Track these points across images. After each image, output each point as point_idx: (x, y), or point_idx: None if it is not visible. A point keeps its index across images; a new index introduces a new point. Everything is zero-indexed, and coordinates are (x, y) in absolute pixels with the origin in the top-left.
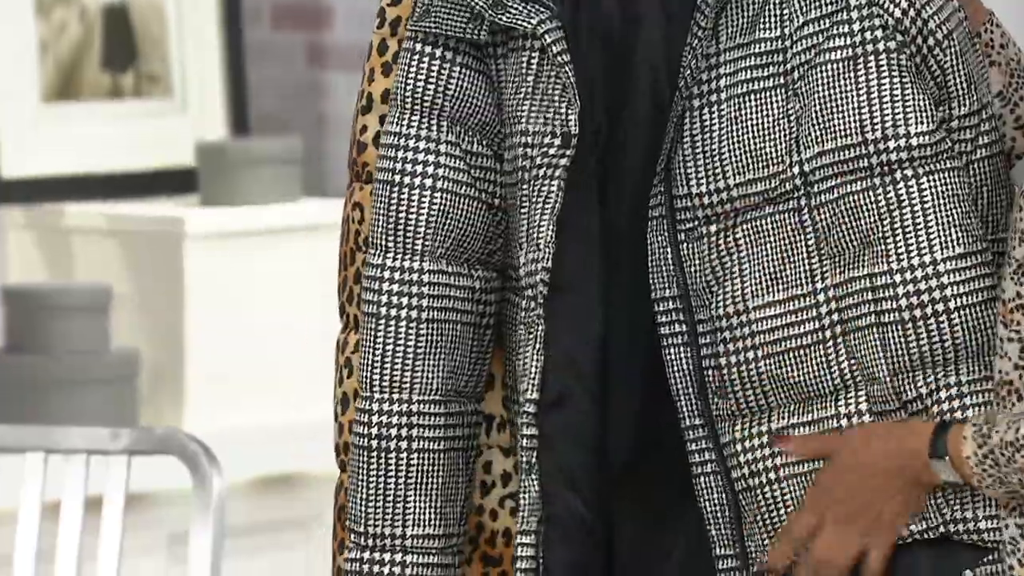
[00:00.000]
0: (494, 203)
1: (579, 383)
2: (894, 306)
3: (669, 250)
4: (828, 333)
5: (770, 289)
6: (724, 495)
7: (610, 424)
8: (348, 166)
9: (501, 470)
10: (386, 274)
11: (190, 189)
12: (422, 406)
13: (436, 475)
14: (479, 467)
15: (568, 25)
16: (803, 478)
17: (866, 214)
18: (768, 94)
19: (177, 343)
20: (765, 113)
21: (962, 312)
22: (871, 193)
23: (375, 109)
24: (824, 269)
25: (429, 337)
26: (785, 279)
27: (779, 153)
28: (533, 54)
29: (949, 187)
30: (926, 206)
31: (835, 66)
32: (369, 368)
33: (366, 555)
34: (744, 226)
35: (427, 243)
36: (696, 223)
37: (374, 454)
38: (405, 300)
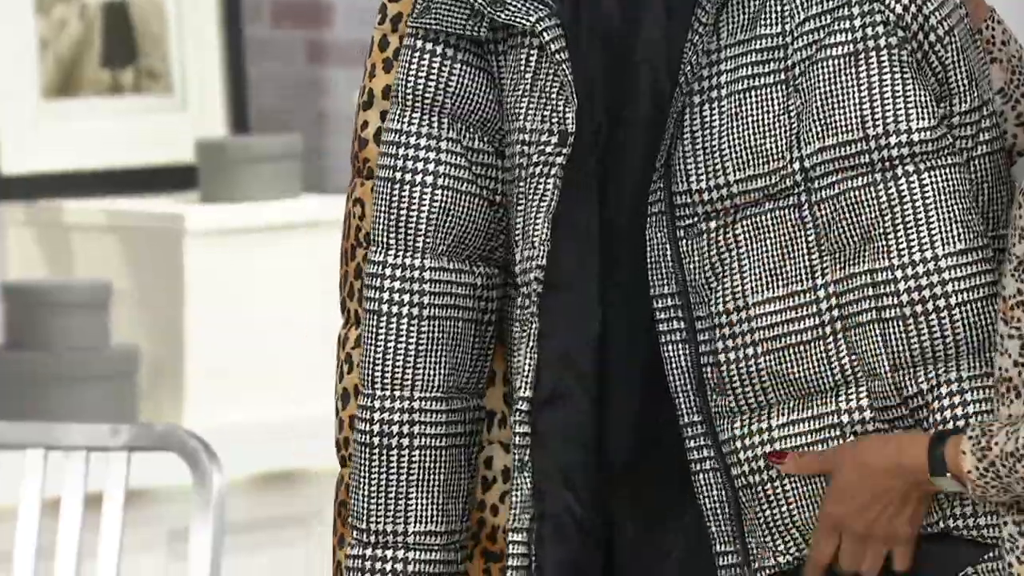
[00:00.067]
0: (496, 200)
1: (577, 382)
2: (895, 301)
3: (668, 247)
4: (828, 329)
5: (770, 285)
6: (724, 492)
7: (609, 423)
8: (351, 161)
9: (502, 466)
10: (387, 271)
11: (190, 186)
12: (424, 403)
13: (438, 472)
14: (480, 463)
15: (568, 25)
16: (803, 475)
17: (867, 210)
18: (769, 90)
19: (177, 340)
20: (766, 109)
21: (963, 308)
22: (872, 189)
23: (376, 105)
24: (824, 265)
25: (430, 334)
26: (785, 275)
27: (779, 149)
28: (532, 52)
29: (950, 183)
30: (927, 202)
31: (836, 62)
32: (371, 365)
33: (368, 552)
34: (744, 222)
35: (428, 240)
36: (696, 219)
37: (376, 451)
38: (407, 297)
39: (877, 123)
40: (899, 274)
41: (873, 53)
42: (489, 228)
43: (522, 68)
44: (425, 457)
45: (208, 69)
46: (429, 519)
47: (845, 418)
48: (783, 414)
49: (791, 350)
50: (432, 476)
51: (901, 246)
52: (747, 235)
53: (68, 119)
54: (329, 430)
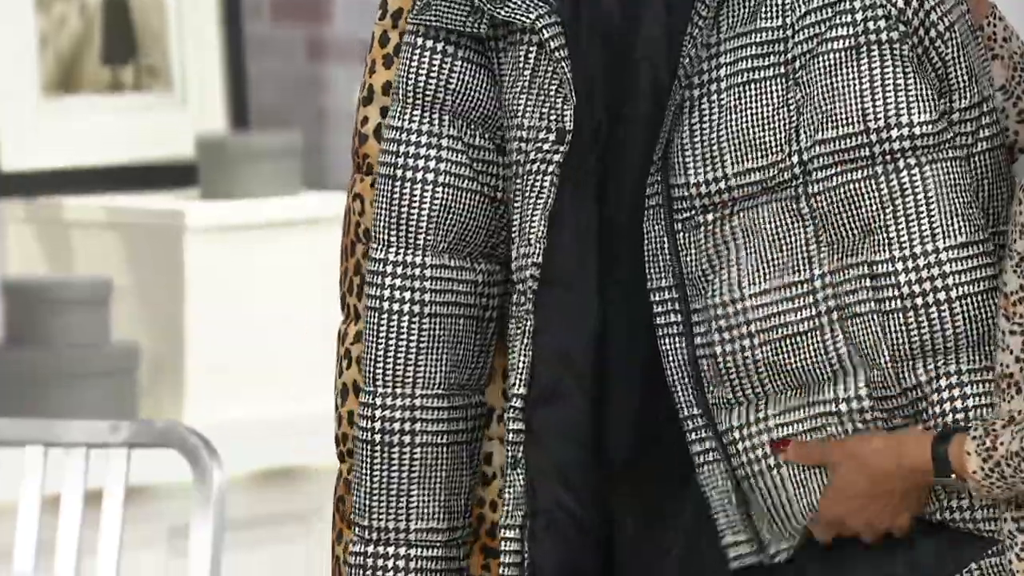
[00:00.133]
0: (497, 196)
1: (575, 381)
2: (896, 293)
3: (666, 239)
4: (825, 319)
5: (766, 276)
6: (730, 482)
7: (609, 421)
8: (351, 157)
9: (502, 462)
10: (388, 268)
11: (190, 182)
12: (425, 400)
13: (439, 468)
14: (480, 459)
15: (568, 22)
16: (803, 464)
17: (867, 202)
18: (768, 83)
19: (177, 336)
20: (765, 102)
21: (964, 301)
22: (872, 181)
23: (376, 101)
24: (821, 256)
25: (432, 331)
26: (781, 266)
27: (778, 142)
28: (531, 49)
29: (952, 177)
30: (929, 195)
31: (837, 55)
32: (372, 363)
33: (370, 549)
34: (741, 215)
35: (429, 237)
36: (693, 212)
37: (377, 448)
38: (407, 295)
39: (879, 116)
40: (900, 266)
41: (875, 47)
42: (490, 225)
43: (521, 65)
44: (427, 454)
45: (208, 66)
46: (431, 516)
47: (844, 407)
48: (780, 404)
49: (787, 341)
50: (434, 473)
51: (902, 238)
52: (744, 228)
53: (68, 116)
54: (329, 427)
